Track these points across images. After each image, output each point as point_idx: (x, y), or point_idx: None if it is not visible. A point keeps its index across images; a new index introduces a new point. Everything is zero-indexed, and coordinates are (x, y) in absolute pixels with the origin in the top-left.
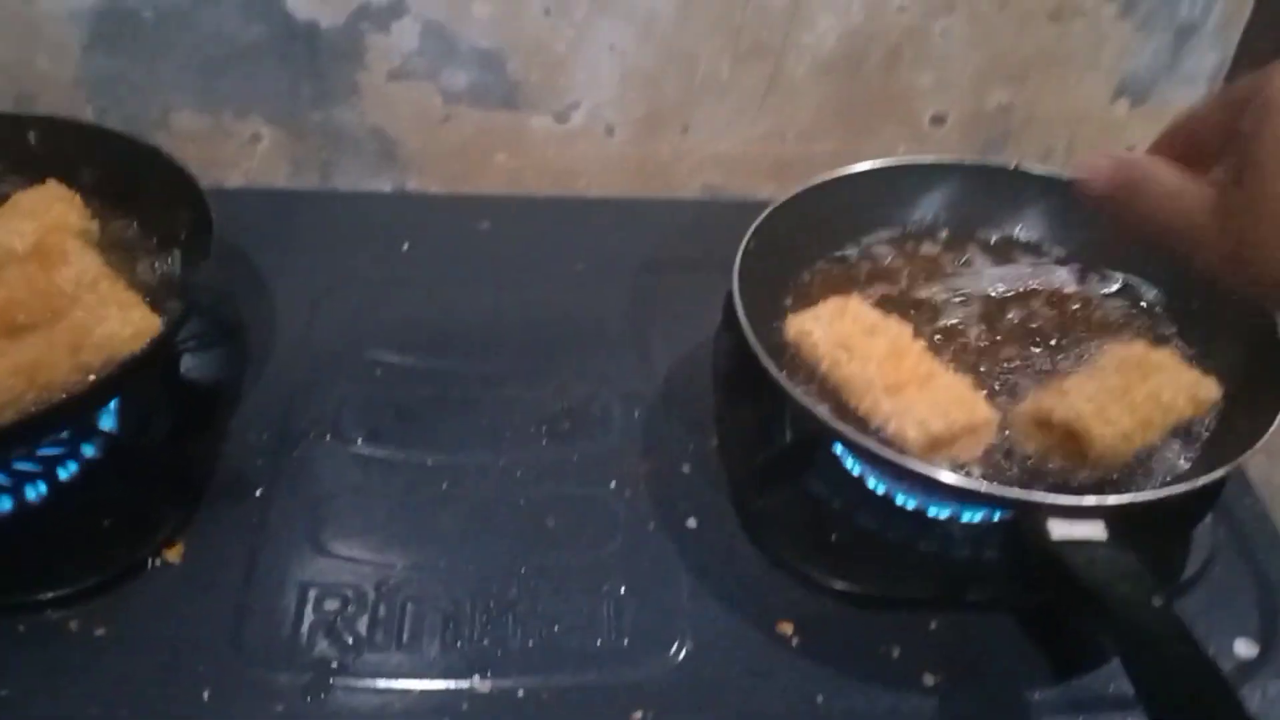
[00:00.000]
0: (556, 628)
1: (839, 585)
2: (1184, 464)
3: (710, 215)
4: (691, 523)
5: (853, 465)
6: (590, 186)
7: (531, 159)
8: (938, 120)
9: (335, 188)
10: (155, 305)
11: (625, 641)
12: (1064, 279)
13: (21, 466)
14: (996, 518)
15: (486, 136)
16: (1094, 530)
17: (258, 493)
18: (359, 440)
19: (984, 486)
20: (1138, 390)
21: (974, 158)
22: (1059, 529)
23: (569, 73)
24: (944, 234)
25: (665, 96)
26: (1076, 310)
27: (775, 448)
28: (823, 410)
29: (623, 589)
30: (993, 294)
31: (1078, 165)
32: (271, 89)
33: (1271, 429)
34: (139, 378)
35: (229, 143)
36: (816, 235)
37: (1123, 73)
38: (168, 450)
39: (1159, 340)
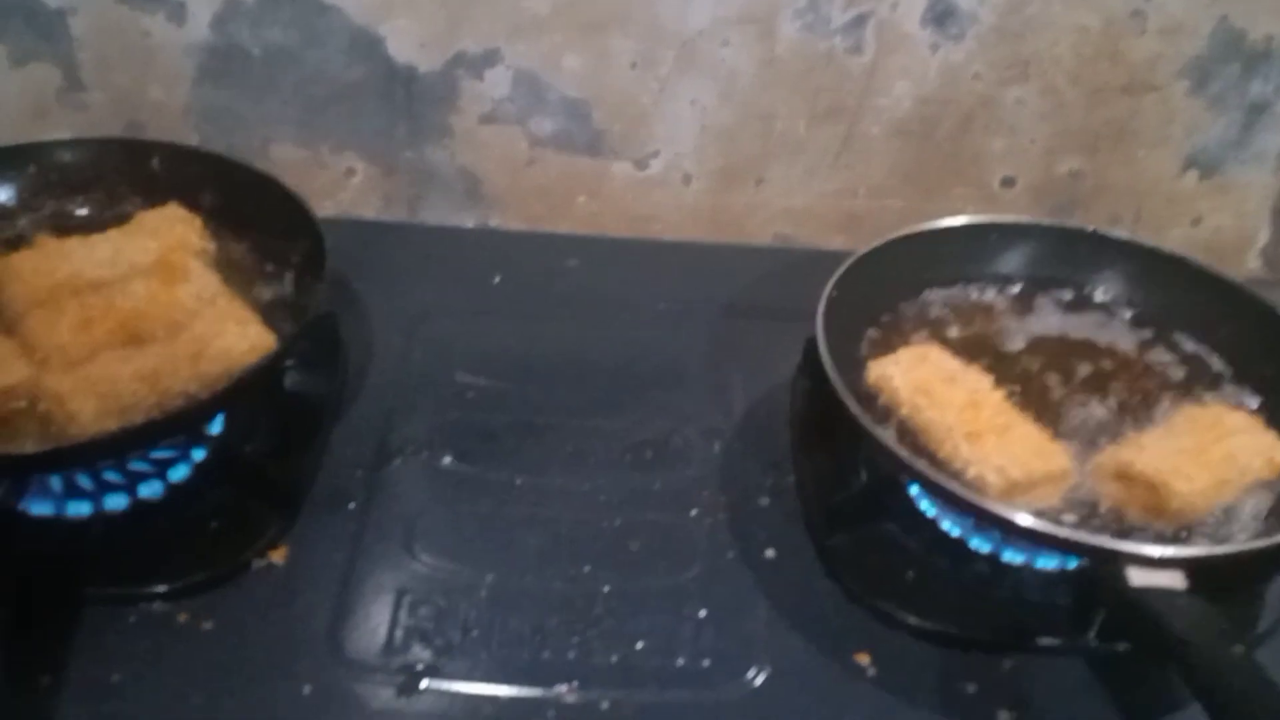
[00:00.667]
0: (639, 645)
1: (914, 621)
2: (1258, 523)
3: (784, 263)
4: (770, 554)
5: (928, 507)
6: (665, 232)
7: (611, 203)
8: (1007, 183)
9: (423, 221)
10: (269, 324)
11: (705, 663)
12: (1134, 339)
13: (137, 467)
14: (1071, 565)
15: (569, 179)
16: (1173, 580)
17: (353, 505)
18: (449, 459)
19: (1066, 532)
20: (1215, 450)
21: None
22: (1139, 577)
23: (650, 124)
24: (1018, 288)
25: (742, 150)
26: (1148, 369)
27: (853, 490)
28: (903, 450)
29: (702, 613)
30: (1067, 342)
31: None
32: (368, 127)
33: None
34: (251, 390)
35: (324, 175)
36: (895, 285)
37: (1192, 146)
38: (272, 459)
39: (1231, 403)
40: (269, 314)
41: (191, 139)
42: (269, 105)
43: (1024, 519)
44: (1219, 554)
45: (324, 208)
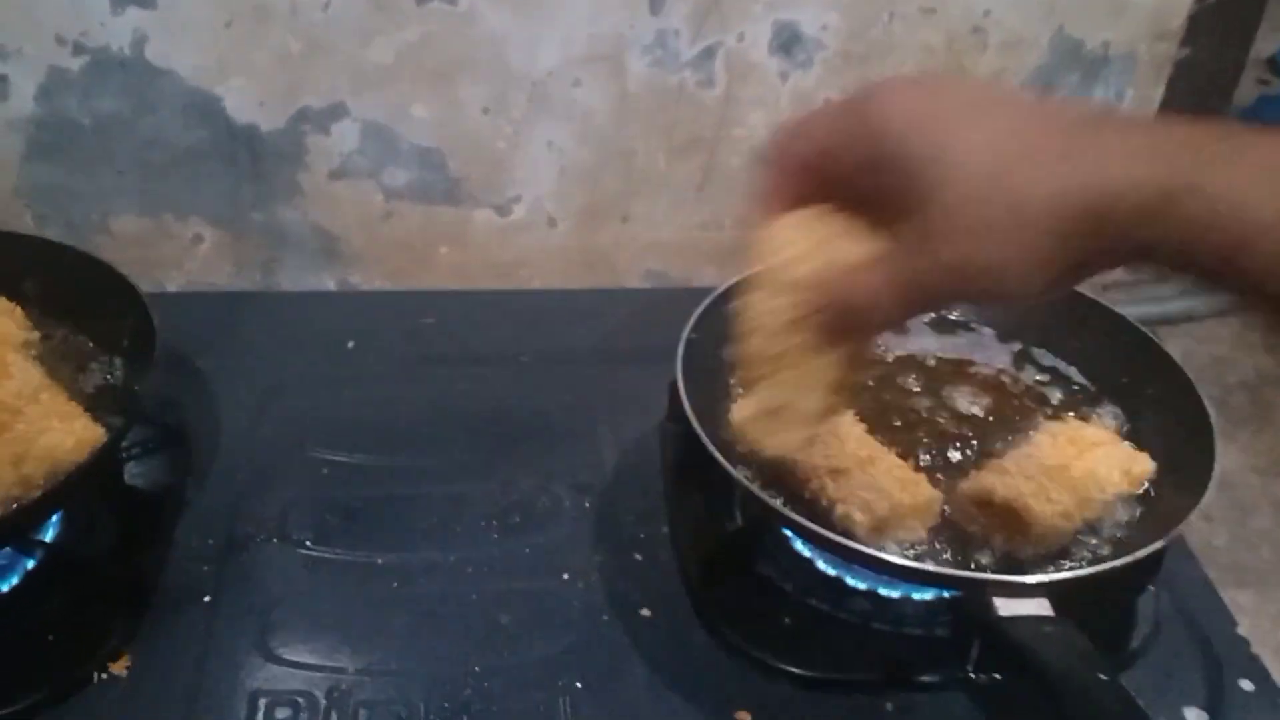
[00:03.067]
0: None
1: (794, 669)
2: (1122, 536)
3: (654, 304)
4: (645, 612)
5: (802, 547)
6: (534, 277)
7: (475, 252)
8: None
9: (279, 285)
10: (99, 414)
11: None
12: (999, 355)
13: None
14: (946, 595)
15: (429, 231)
16: (1039, 607)
17: (205, 600)
18: (307, 542)
19: (929, 566)
20: (1075, 467)
21: None
22: (1005, 607)
23: (509, 168)
24: None
25: (604, 188)
26: (1009, 386)
27: (725, 533)
28: (770, 496)
29: (578, 684)
30: (930, 364)
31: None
32: (213, 191)
33: (1204, 498)
34: (83, 488)
35: (170, 244)
36: None
37: None
38: (113, 560)
39: (1090, 417)
40: (98, 403)
41: (25, 218)
42: (105, 177)
43: (890, 557)
44: (1081, 575)
45: (172, 279)
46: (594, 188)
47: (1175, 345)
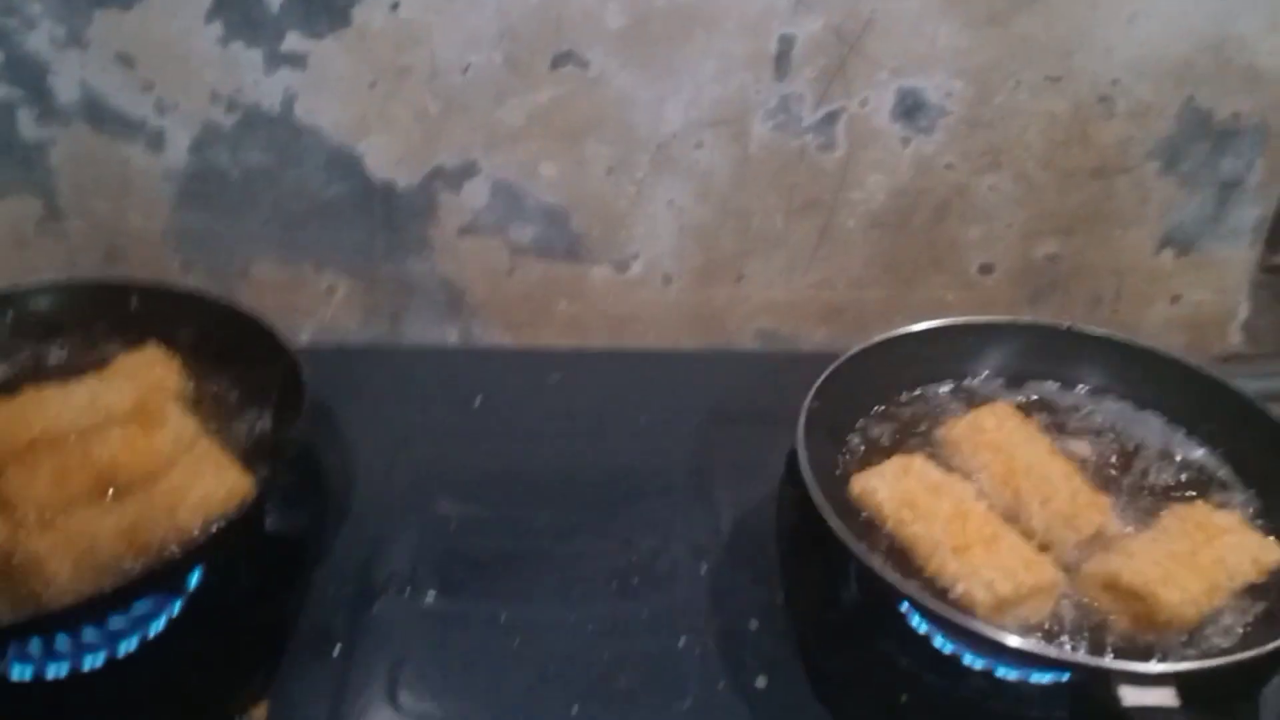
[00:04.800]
0: None
1: None
2: (1249, 624)
3: (767, 366)
4: (761, 682)
5: (919, 623)
6: (647, 333)
7: (591, 305)
8: (985, 270)
9: (404, 335)
10: (248, 463)
11: None
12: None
13: (114, 624)
14: (1066, 678)
15: (550, 285)
16: (1165, 697)
17: (336, 650)
18: (433, 594)
19: (1052, 651)
20: (1203, 554)
21: (1025, 310)
22: (1130, 696)
23: (629, 226)
24: (999, 383)
25: (721, 248)
26: (1136, 465)
27: (843, 606)
28: (890, 572)
29: None
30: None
31: None
32: (348, 241)
33: None
34: (230, 540)
35: (305, 292)
36: (875, 388)
37: (1167, 225)
38: (254, 605)
39: (1219, 502)
40: (250, 453)
41: (172, 263)
42: (249, 225)
43: (1012, 640)
44: (1210, 667)
45: (306, 326)
46: (710, 246)
47: None
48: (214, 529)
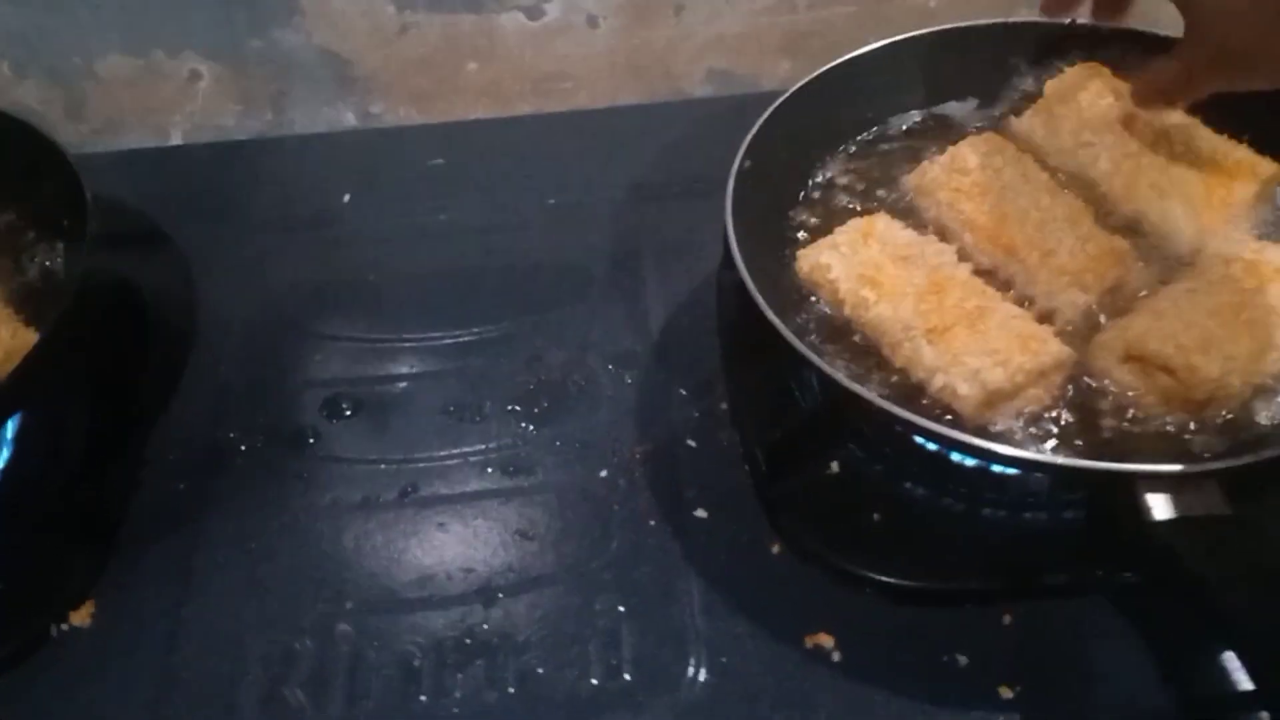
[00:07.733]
0: (541, 670)
1: (885, 579)
2: None
3: (719, 117)
4: (700, 513)
5: (884, 435)
6: (578, 91)
7: (507, 64)
8: None
9: (293, 123)
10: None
11: (626, 677)
12: None
13: None
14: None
15: (452, 44)
16: (1208, 504)
17: (182, 529)
18: (304, 447)
19: (1060, 459)
20: (1252, 308)
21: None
22: (1161, 508)
23: None
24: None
25: None
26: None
27: (799, 411)
28: (844, 376)
29: (620, 608)
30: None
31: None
32: (201, 19)
33: None
34: (23, 400)
35: (165, 84)
36: (828, 134)
37: None
38: (72, 485)
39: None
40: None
41: (2, 69)
42: (82, 15)
43: (1005, 449)
44: (1262, 461)
45: (176, 125)
46: None
47: None
48: None
